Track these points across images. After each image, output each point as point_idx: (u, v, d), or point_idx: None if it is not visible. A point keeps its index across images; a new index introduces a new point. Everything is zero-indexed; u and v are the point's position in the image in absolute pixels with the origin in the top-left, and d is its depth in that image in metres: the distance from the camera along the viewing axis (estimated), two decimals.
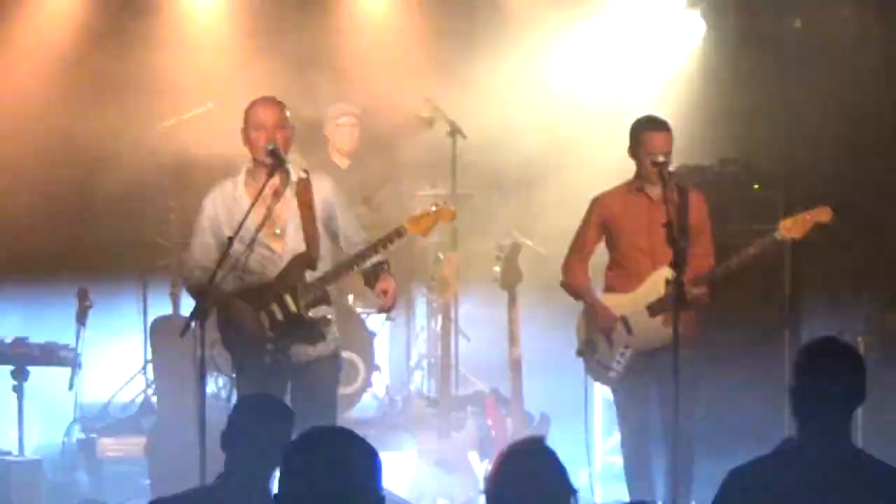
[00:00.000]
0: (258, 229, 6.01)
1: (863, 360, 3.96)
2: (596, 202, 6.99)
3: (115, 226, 8.51)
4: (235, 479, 4.18)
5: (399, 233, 6.16)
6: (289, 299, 6.05)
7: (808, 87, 8.13)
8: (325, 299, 6.19)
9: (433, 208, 6.33)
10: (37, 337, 7.60)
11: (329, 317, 6.19)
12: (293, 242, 6.07)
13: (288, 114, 6.14)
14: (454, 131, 8.10)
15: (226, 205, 6.09)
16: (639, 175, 6.77)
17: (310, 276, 6.10)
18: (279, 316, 6.04)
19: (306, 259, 6.08)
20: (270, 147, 6.01)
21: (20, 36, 8.48)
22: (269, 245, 6.02)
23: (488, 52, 8.94)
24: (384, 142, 8.76)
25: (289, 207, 6.06)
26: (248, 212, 5.95)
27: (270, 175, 6.01)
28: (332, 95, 8.59)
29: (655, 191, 6.60)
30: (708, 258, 6.69)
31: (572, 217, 7.29)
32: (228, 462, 4.22)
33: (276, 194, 6.05)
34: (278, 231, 6.04)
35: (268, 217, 6.00)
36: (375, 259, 6.11)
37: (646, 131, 6.67)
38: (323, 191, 6.18)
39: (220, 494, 4.18)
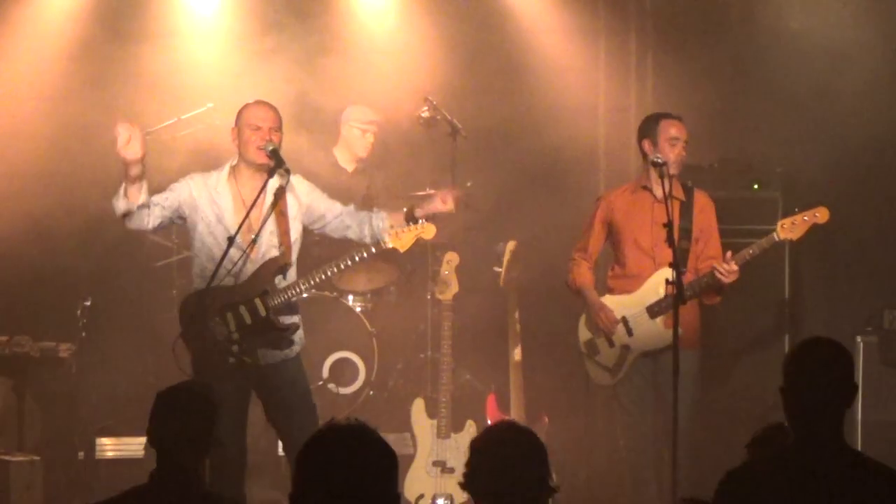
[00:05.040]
0: (260, 232, 6.12)
1: (851, 358, 3.97)
2: (600, 200, 7.01)
3: (114, 225, 8.50)
4: (168, 474, 4.18)
5: (378, 245, 6.32)
6: (258, 303, 6.12)
7: (808, 87, 8.12)
8: (293, 307, 6.28)
9: (419, 224, 6.41)
10: (37, 336, 7.60)
11: (298, 323, 6.28)
12: (266, 247, 6.17)
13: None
14: (454, 131, 8.10)
15: (207, 192, 6.20)
16: (645, 172, 6.80)
17: (280, 281, 6.21)
18: (247, 319, 6.10)
19: (278, 265, 6.19)
20: (271, 148, 6.11)
21: (21, 37, 8.47)
22: (243, 247, 6.08)
23: (489, 50, 8.95)
24: (384, 142, 8.75)
25: (265, 213, 6.17)
26: (248, 212, 6.06)
27: (271, 175, 6.11)
28: (331, 96, 8.58)
29: (660, 189, 6.60)
30: (718, 259, 6.68)
31: (576, 216, 7.31)
32: (158, 458, 4.22)
33: (257, 200, 6.12)
34: (254, 236, 6.10)
35: (246, 220, 6.09)
36: (345, 266, 6.30)
37: (662, 119, 6.74)
38: (300, 195, 6.32)
39: (155, 491, 4.17)
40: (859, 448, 6.73)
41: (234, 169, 6.26)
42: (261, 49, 8.55)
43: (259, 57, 8.52)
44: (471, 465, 3.73)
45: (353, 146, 8.43)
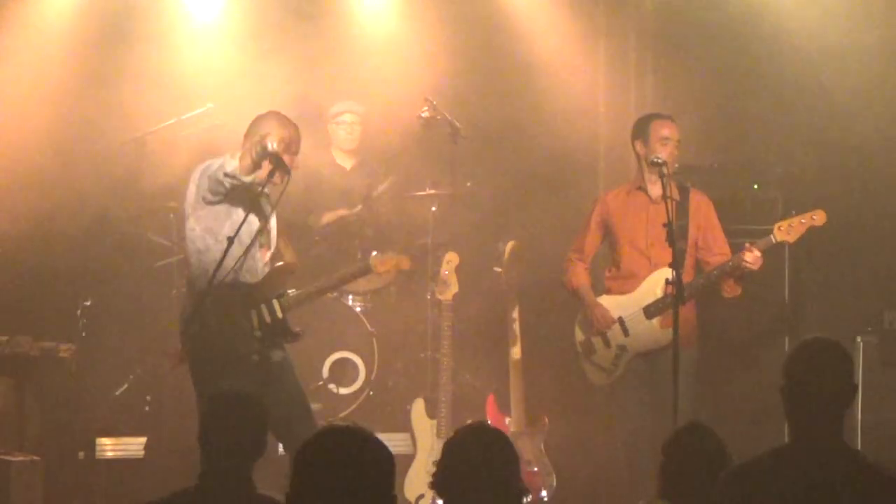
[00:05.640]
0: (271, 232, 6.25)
1: (851, 359, 3.97)
2: (597, 201, 7.03)
3: (115, 225, 8.50)
4: (216, 478, 4.20)
5: (364, 270, 6.79)
6: (276, 305, 6.25)
7: (808, 87, 8.12)
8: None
9: (393, 254, 6.89)
10: (37, 337, 7.59)
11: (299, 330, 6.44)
12: (274, 249, 6.35)
13: None
14: (454, 131, 8.10)
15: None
16: (640, 173, 6.81)
17: (291, 289, 6.38)
18: (267, 318, 6.21)
19: (290, 269, 6.38)
20: (272, 149, 6.12)
21: (22, 37, 8.46)
22: (261, 247, 6.23)
23: (489, 51, 8.95)
24: (384, 142, 8.76)
25: (271, 220, 6.31)
26: (247, 213, 6.05)
27: (270, 176, 6.11)
28: (331, 96, 8.59)
29: (656, 190, 6.61)
30: (726, 256, 6.70)
31: (576, 216, 7.31)
32: (206, 461, 4.24)
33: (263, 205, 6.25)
34: (263, 237, 6.24)
35: (261, 223, 6.21)
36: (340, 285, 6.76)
37: (654, 119, 6.75)
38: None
39: (202, 494, 4.19)
40: (859, 448, 6.74)
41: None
42: (261, 49, 8.55)
43: (259, 57, 8.52)
44: (440, 464, 3.71)
45: (336, 141, 8.49)
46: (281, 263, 6.34)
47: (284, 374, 6.32)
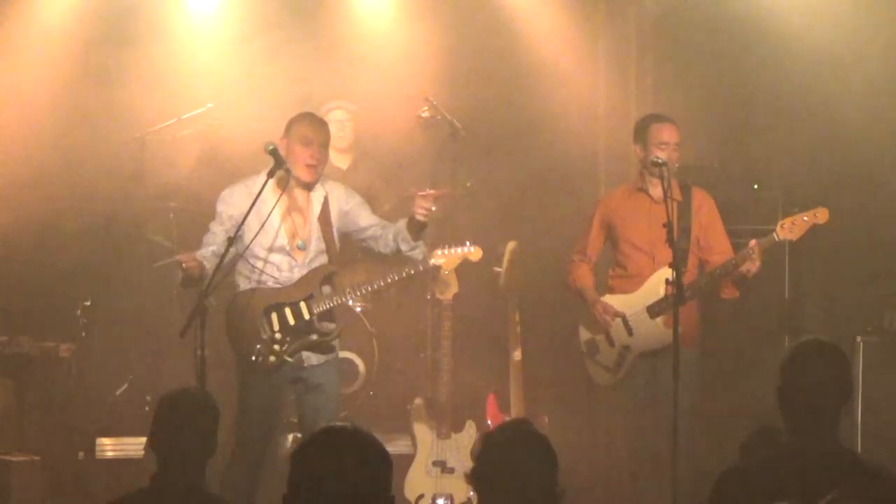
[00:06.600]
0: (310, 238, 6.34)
1: (847, 359, 3.97)
2: (599, 202, 7.04)
3: (114, 226, 8.50)
4: (169, 478, 4.19)
5: (425, 262, 6.55)
6: (303, 306, 6.28)
7: (808, 88, 8.12)
8: (332, 314, 6.43)
9: (465, 248, 6.60)
10: (37, 337, 7.60)
11: (338, 329, 6.44)
12: (314, 253, 6.36)
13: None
14: (454, 131, 8.09)
15: (252, 199, 6.20)
16: (641, 174, 6.81)
17: (327, 290, 6.40)
18: (291, 320, 6.27)
19: (325, 272, 6.39)
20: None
21: (22, 38, 8.46)
22: (291, 254, 6.30)
23: (489, 51, 8.95)
24: (384, 142, 8.75)
25: (312, 221, 6.34)
26: (249, 211, 6.10)
27: (271, 175, 6.15)
28: (331, 96, 8.59)
29: (657, 190, 6.61)
30: (727, 255, 6.70)
31: (576, 217, 7.31)
32: (160, 461, 4.22)
33: (302, 208, 6.33)
34: (301, 244, 6.31)
35: (292, 229, 6.30)
36: (391, 282, 6.58)
37: (653, 123, 6.74)
38: (337, 201, 6.45)
39: (156, 494, 4.18)
40: (859, 449, 6.74)
41: (280, 180, 6.32)
42: (261, 50, 8.55)
43: (259, 57, 8.53)
44: (478, 457, 3.68)
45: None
46: (319, 266, 6.39)
47: (320, 376, 6.38)
